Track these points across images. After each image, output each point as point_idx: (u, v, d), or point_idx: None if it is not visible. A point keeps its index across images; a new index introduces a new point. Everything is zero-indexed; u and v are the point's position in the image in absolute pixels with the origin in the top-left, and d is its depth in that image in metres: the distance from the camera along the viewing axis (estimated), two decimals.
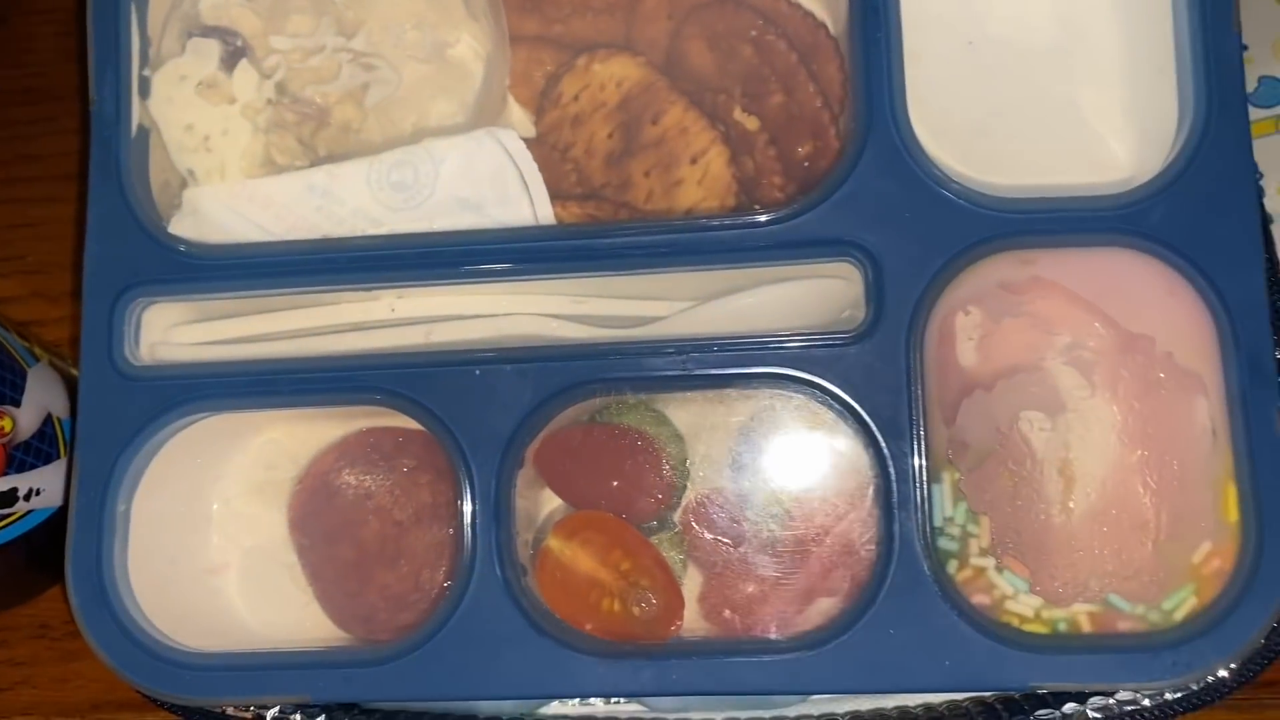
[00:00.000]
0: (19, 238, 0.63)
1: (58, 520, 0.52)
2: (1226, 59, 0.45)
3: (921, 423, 0.43)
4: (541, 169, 0.48)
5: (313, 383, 0.46)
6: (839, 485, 0.45)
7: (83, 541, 0.46)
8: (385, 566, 0.49)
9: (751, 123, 0.49)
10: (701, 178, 0.49)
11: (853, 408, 0.43)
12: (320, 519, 0.50)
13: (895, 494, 0.43)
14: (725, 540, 0.47)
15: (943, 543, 0.43)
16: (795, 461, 0.46)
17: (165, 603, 0.47)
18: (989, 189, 0.45)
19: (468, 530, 0.44)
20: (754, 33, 0.48)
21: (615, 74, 0.50)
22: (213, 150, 0.48)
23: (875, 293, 0.44)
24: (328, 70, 0.47)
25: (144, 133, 0.49)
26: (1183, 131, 0.45)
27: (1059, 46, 0.48)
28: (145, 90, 0.49)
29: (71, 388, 0.54)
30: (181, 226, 0.48)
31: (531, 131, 0.52)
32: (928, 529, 0.43)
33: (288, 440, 0.50)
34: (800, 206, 0.45)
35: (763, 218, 0.45)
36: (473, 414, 0.45)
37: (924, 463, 0.43)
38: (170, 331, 0.48)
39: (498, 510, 0.44)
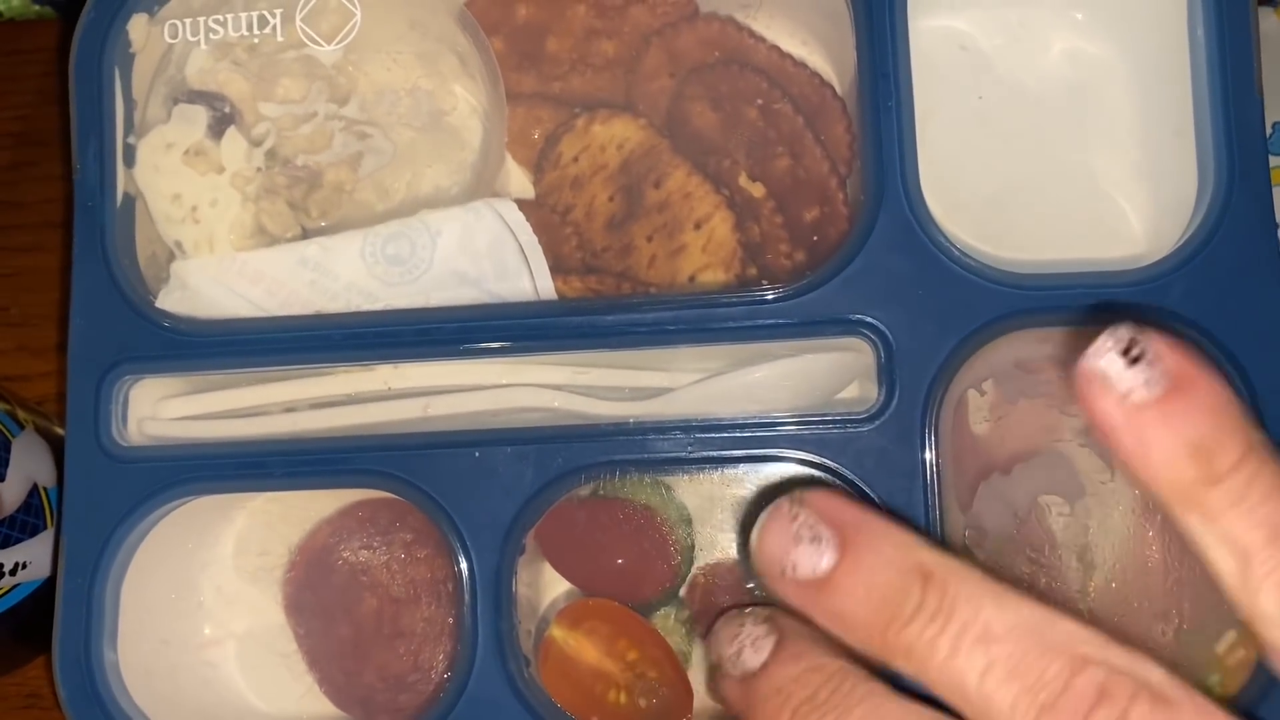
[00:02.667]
0: (2, 288, 0.61)
1: (45, 591, 0.51)
2: (1248, 124, 0.43)
3: (937, 508, 0.42)
4: (541, 232, 0.47)
5: (305, 465, 0.44)
6: None
7: (70, 629, 0.44)
8: (383, 645, 0.48)
9: (757, 189, 0.47)
10: (706, 243, 0.47)
11: (866, 492, 0.42)
12: (315, 597, 0.48)
13: None
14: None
15: None
16: None
17: (159, 690, 0.45)
18: (1004, 264, 0.43)
19: (467, 620, 0.43)
20: (760, 100, 0.47)
21: (616, 136, 0.49)
22: (201, 221, 0.46)
23: (887, 372, 0.43)
24: (320, 138, 0.46)
25: (130, 202, 0.47)
26: (1203, 201, 0.44)
27: (1073, 110, 0.47)
28: (130, 158, 0.47)
29: (57, 451, 0.53)
30: (170, 301, 0.46)
31: (530, 192, 0.50)
32: None
33: (280, 511, 0.49)
34: (810, 283, 0.43)
35: (770, 294, 0.43)
36: (472, 498, 0.43)
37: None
38: (159, 404, 0.47)
39: (498, 598, 0.43)
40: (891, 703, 0.29)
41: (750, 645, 0.32)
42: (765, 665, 0.31)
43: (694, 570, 0.46)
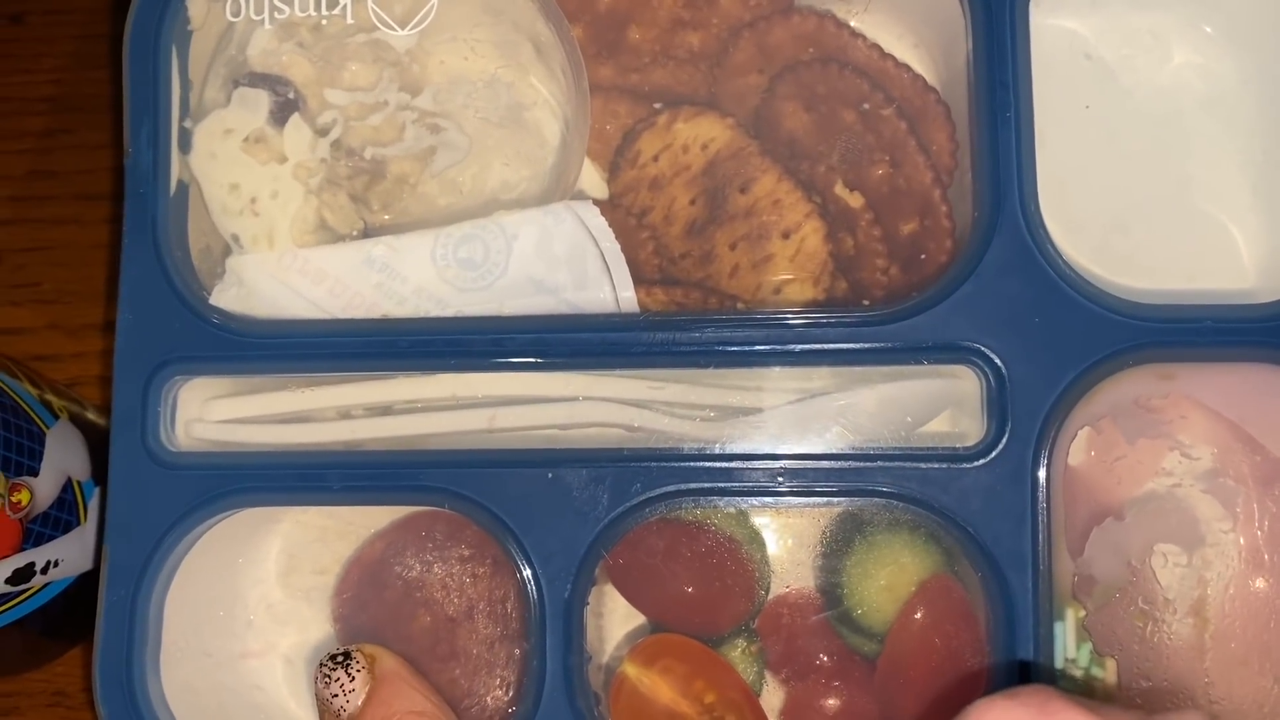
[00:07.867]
0: (34, 262, 0.58)
1: (75, 588, 0.49)
2: None
3: (1046, 554, 0.39)
4: (615, 234, 0.44)
5: (365, 479, 0.42)
6: (944, 610, 0.41)
7: (111, 646, 0.42)
8: (436, 666, 0.45)
9: (855, 199, 0.44)
10: (794, 254, 0.44)
11: (970, 534, 0.39)
12: (367, 613, 0.46)
13: (1013, 631, 0.39)
14: (809, 653, 0.43)
15: (1063, 686, 0.39)
16: (891, 577, 0.42)
17: (204, 708, 0.43)
18: (1125, 292, 0.40)
19: (535, 653, 0.40)
20: (866, 105, 0.44)
21: (701, 135, 0.46)
22: (260, 214, 0.43)
23: (998, 405, 0.40)
24: (390, 130, 0.43)
25: (184, 190, 0.44)
26: None
27: (1192, 127, 0.43)
28: (185, 143, 0.44)
29: (91, 441, 0.50)
30: (224, 298, 0.43)
31: (603, 190, 0.47)
32: (1048, 671, 0.39)
33: (336, 527, 0.46)
34: (916, 304, 0.40)
35: (874, 315, 0.40)
36: (544, 523, 0.41)
37: (1047, 598, 0.39)
38: (206, 405, 0.44)
39: (568, 631, 0.40)
40: None
41: (344, 693, 0.37)
42: (361, 711, 0.36)
43: (769, 598, 0.44)
